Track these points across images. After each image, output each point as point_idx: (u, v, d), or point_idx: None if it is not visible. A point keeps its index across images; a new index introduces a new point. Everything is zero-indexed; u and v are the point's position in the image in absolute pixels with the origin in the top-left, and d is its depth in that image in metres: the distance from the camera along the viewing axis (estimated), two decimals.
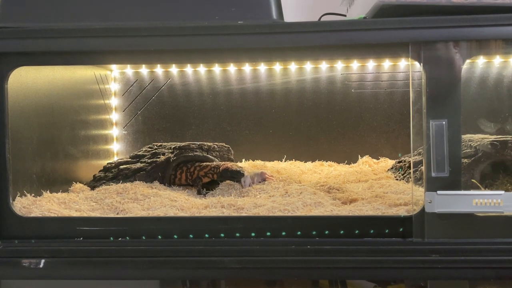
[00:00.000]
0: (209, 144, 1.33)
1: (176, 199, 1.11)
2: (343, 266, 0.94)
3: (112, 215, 1.06)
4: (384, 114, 1.50)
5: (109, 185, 1.22)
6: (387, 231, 0.95)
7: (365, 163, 1.47)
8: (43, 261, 0.96)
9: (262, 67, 1.50)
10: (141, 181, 1.23)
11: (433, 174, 0.92)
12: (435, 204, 0.91)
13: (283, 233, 0.97)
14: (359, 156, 1.50)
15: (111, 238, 0.98)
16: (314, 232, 0.97)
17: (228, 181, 1.23)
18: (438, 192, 0.91)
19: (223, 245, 0.96)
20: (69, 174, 1.29)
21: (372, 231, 0.96)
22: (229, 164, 1.24)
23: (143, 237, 0.99)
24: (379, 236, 0.95)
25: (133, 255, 0.96)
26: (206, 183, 1.25)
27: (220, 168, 1.23)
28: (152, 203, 1.09)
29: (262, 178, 1.22)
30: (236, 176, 1.20)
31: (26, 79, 1.10)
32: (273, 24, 0.97)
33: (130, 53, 1.00)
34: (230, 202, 1.07)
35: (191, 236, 0.98)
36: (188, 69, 1.51)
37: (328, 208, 1.04)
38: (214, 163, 1.27)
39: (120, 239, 0.99)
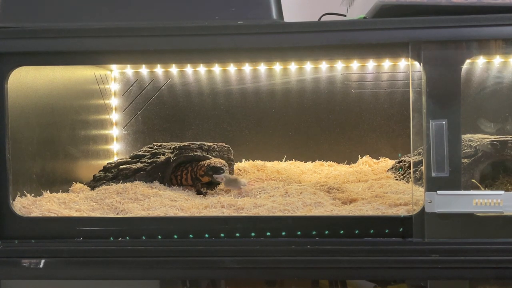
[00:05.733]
0: (209, 144, 1.33)
1: (176, 199, 1.11)
2: (343, 266, 0.94)
3: (112, 215, 1.06)
4: (384, 114, 1.50)
5: (109, 185, 1.22)
6: (387, 231, 0.95)
7: (365, 163, 1.47)
8: (43, 261, 0.96)
9: (262, 67, 1.50)
10: (141, 181, 1.23)
11: (433, 174, 0.92)
12: (435, 204, 0.91)
13: (283, 233, 0.97)
14: (359, 156, 1.50)
15: (111, 238, 0.98)
16: (314, 232, 0.97)
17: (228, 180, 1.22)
18: (438, 192, 0.91)
19: (223, 245, 0.96)
20: (69, 174, 1.29)
21: (372, 231, 0.96)
22: (213, 160, 1.23)
23: (143, 237, 0.99)
24: (379, 236, 0.95)
25: (133, 255, 0.96)
26: (206, 183, 1.25)
27: (205, 165, 1.22)
28: (152, 203, 1.09)
29: (239, 186, 1.18)
30: (216, 172, 1.19)
31: (26, 79, 1.10)
32: (273, 24, 0.97)
33: (130, 53, 1.00)
34: (230, 202, 1.07)
35: (191, 236, 0.98)
36: (188, 69, 1.51)
37: (328, 208, 1.04)
38: (208, 161, 1.26)
39: (120, 239, 0.99)
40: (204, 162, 1.24)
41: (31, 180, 1.11)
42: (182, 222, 0.99)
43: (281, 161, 1.51)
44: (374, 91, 1.49)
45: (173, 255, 0.96)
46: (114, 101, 1.54)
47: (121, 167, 1.29)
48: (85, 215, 1.04)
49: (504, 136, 1.10)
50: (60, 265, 0.97)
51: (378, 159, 1.49)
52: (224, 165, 1.21)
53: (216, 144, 1.34)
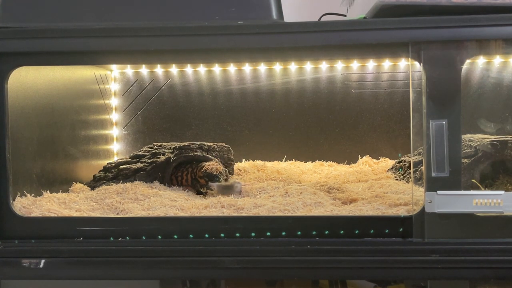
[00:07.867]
0: (209, 144, 1.33)
1: (176, 199, 1.11)
2: (343, 266, 0.94)
3: (112, 215, 1.06)
4: (384, 114, 1.50)
5: (109, 185, 1.22)
6: (387, 231, 0.95)
7: (365, 163, 1.47)
8: (43, 261, 0.96)
9: (262, 67, 1.50)
10: (141, 181, 1.23)
11: (433, 174, 0.92)
12: (435, 204, 0.91)
13: (283, 233, 0.97)
14: (359, 156, 1.50)
15: (111, 238, 0.98)
16: (314, 232, 0.97)
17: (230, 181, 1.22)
18: (438, 192, 0.91)
19: (223, 245, 0.96)
20: (69, 174, 1.29)
21: (372, 231, 0.96)
22: (210, 166, 1.22)
23: (143, 237, 0.99)
24: (379, 236, 0.95)
25: (133, 255, 0.96)
26: (206, 184, 1.25)
27: (203, 169, 1.22)
28: (152, 203, 1.09)
29: (236, 191, 1.18)
30: (211, 179, 1.19)
31: (26, 79, 1.10)
32: (273, 24, 0.97)
33: (130, 53, 1.00)
34: (230, 202, 1.07)
35: (191, 236, 0.98)
36: (188, 69, 1.51)
37: (328, 208, 1.04)
38: (206, 164, 1.25)
39: (120, 239, 0.99)
40: (203, 165, 1.24)
41: (31, 180, 1.11)
42: (182, 222, 0.99)
43: (281, 161, 1.51)
44: (374, 91, 1.49)
45: (173, 255, 0.96)
46: (114, 101, 1.54)
47: (121, 167, 1.29)
48: (85, 215, 1.04)
49: (504, 136, 1.10)
50: (60, 265, 0.97)
51: (378, 159, 1.49)
52: (220, 173, 1.20)
53: (216, 144, 1.34)
